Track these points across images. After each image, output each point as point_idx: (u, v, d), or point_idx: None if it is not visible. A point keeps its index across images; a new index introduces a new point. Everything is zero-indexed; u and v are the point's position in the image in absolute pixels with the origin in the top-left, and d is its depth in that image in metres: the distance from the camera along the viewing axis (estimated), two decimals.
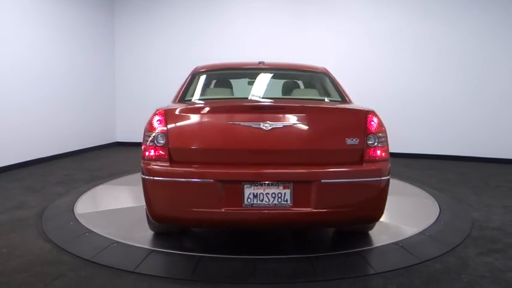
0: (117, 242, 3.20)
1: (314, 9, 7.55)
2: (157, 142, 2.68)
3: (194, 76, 3.58)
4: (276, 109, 2.78)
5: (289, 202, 2.60)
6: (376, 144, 2.73)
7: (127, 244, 3.17)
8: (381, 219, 3.14)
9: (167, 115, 2.71)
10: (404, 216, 3.95)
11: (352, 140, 2.68)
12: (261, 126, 2.61)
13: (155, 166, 2.68)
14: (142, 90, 8.65)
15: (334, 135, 2.76)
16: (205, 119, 2.81)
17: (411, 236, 3.36)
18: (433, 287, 2.56)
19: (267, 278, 2.70)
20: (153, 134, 2.70)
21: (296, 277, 2.71)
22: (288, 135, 2.68)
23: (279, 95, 3.70)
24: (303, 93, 3.77)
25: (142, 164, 2.74)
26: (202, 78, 3.65)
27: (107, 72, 8.71)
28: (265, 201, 2.58)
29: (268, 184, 2.58)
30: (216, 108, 2.88)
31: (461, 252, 3.10)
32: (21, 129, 6.36)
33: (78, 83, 7.74)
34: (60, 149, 7.26)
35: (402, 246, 3.18)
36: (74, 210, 4.02)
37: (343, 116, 2.90)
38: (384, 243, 3.22)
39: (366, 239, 3.42)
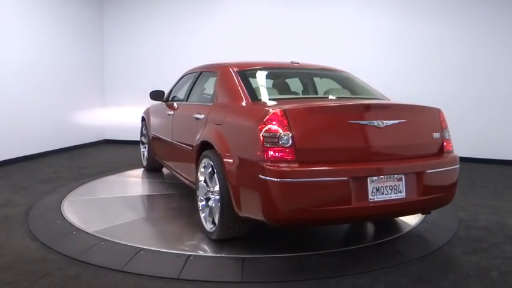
0: (105, 240, 3.17)
1: (310, 6, 7.55)
2: (282, 143, 2.60)
3: (242, 75, 3.47)
4: (383, 108, 3.03)
5: (402, 193, 2.81)
6: (447, 137, 3.15)
7: (115, 242, 3.14)
8: None
9: (290, 115, 2.66)
10: None
11: (436, 134, 3.08)
12: (375, 124, 2.78)
13: (284, 168, 2.57)
14: (131, 88, 8.60)
15: (425, 130, 3.07)
16: (327, 119, 2.81)
17: (399, 235, 3.40)
18: (419, 286, 2.59)
19: (255, 277, 2.70)
20: (276, 135, 2.61)
21: (285, 276, 2.72)
22: (396, 131, 2.89)
23: (328, 93, 3.76)
24: (355, 91, 3.78)
25: (265, 166, 2.58)
26: (254, 77, 3.62)
27: (96, 69, 8.63)
28: (385, 194, 2.76)
29: (386, 178, 2.77)
30: (335, 107, 2.96)
31: (448, 251, 3.15)
32: (8, 126, 6.27)
33: (66, 80, 7.66)
34: (48, 146, 7.18)
35: (390, 245, 3.21)
36: (61, 209, 3.98)
37: (427, 113, 3.15)
38: (372, 242, 3.25)
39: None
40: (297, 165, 2.59)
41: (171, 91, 4.93)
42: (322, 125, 2.78)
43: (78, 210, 3.99)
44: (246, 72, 3.56)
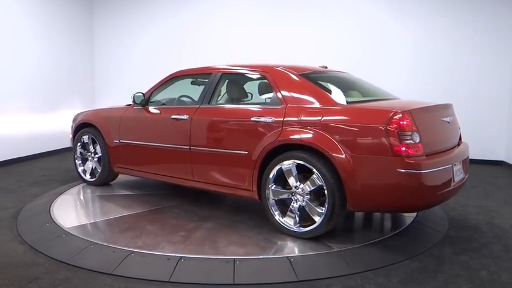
0: (95, 244, 3.15)
1: (299, 6, 7.57)
2: (414, 139, 2.96)
3: (309, 79, 3.61)
4: (446, 107, 3.60)
5: (461, 174, 3.43)
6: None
7: (105, 245, 3.13)
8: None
9: (414, 115, 3.03)
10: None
11: (458, 125, 3.77)
12: (448, 120, 3.48)
13: (422, 160, 2.95)
14: (122, 89, 8.53)
15: (456, 123, 3.75)
16: (432, 117, 3.35)
17: (390, 236, 3.42)
18: (410, 286, 2.60)
19: (247, 279, 2.70)
20: (409, 133, 2.96)
21: (276, 277, 2.72)
22: (452, 125, 3.58)
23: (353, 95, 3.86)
24: (377, 92, 3.95)
25: (406, 161, 2.89)
26: (319, 80, 3.70)
27: (86, 70, 8.57)
28: (458, 176, 3.34)
29: (457, 163, 3.35)
30: (435, 107, 3.47)
31: (438, 251, 3.17)
32: None
33: (56, 82, 7.59)
34: (38, 148, 7.11)
35: (381, 245, 3.23)
36: (51, 212, 3.94)
37: (453, 109, 3.75)
38: (363, 243, 3.25)
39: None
40: (425, 157, 2.99)
41: (151, 94, 4.51)
42: (429, 122, 3.26)
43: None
44: (309, 75, 3.69)
